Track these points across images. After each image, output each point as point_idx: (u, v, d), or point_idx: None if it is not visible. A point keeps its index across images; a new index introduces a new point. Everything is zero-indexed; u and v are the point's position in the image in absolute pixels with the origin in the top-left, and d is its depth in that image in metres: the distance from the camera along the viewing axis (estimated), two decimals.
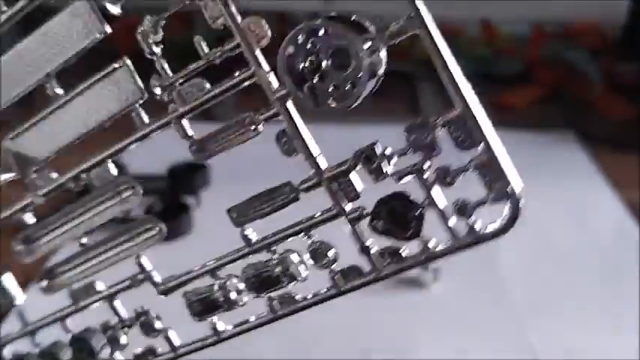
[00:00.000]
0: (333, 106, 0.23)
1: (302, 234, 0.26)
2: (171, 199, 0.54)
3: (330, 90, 0.23)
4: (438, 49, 0.22)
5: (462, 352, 0.41)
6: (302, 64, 0.23)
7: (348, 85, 0.23)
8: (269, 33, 0.24)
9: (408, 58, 0.83)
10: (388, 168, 0.24)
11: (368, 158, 0.24)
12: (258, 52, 0.24)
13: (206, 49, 0.25)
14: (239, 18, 0.24)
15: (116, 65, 0.25)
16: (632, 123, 0.68)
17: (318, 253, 0.26)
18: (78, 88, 0.26)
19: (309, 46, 0.23)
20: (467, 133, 0.23)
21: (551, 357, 0.41)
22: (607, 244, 0.52)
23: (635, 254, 0.50)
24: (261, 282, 0.27)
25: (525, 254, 0.50)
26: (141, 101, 0.26)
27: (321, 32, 0.22)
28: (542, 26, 0.83)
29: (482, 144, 0.23)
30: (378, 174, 0.24)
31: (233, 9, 0.23)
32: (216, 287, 0.28)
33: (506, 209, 0.24)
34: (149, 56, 0.25)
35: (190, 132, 0.26)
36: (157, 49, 0.25)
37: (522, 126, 0.70)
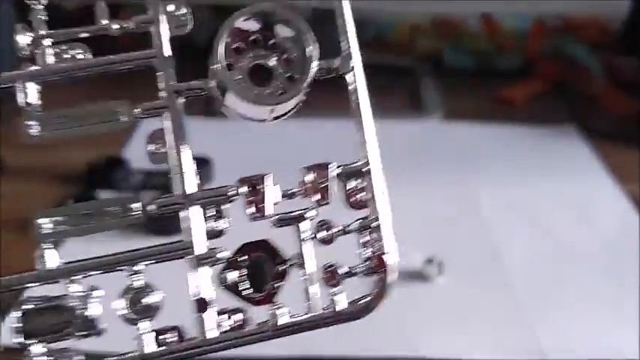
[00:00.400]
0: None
1: (126, 268, 0.20)
2: None
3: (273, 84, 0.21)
4: (360, 95, 0.21)
5: (466, 343, 0.41)
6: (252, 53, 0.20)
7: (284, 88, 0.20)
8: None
9: (410, 54, 0.83)
10: (270, 208, 0.20)
11: (253, 187, 0.20)
12: (166, 34, 0.21)
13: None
14: None
15: None
16: (634, 117, 0.68)
17: (137, 297, 0.19)
18: None
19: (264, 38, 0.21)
20: (362, 190, 0.21)
21: (554, 347, 0.41)
22: (609, 237, 0.52)
23: (637, 246, 0.50)
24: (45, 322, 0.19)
25: (528, 247, 0.51)
26: None
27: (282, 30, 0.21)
28: (543, 21, 0.82)
29: (372, 205, 0.21)
30: (259, 211, 0.20)
31: None
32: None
33: (375, 283, 0.21)
34: (31, 2, 0.20)
35: (33, 100, 0.20)
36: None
37: (524, 120, 0.71)
